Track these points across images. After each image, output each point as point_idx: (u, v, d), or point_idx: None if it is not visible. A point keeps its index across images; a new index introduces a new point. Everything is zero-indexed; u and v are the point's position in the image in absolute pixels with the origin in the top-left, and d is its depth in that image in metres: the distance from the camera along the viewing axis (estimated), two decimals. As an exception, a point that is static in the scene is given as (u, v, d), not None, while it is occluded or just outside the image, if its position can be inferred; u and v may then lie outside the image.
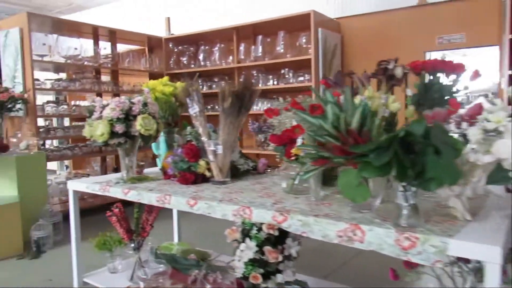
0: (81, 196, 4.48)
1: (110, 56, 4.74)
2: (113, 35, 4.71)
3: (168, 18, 5.86)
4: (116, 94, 4.72)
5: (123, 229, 2.03)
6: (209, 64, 4.86)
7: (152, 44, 5.33)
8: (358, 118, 1.21)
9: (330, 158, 1.22)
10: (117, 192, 1.86)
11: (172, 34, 5.47)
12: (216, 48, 4.74)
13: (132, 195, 1.79)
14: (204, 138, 1.90)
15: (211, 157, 1.87)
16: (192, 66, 5.04)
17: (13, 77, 3.88)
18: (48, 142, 5.02)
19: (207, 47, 4.90)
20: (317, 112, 1.31)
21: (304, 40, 4.06)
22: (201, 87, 4.95)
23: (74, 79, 4.28)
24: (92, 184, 1.99)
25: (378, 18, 4.17)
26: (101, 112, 1.97)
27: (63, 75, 4.96)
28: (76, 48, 4.39)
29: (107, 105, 1.97)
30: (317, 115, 1.31)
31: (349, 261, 2.96)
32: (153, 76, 5.24)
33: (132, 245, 2.08)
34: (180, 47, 5.16)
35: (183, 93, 1.95)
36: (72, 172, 5.84)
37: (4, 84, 3.93)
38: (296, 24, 4.15)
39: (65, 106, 4.23)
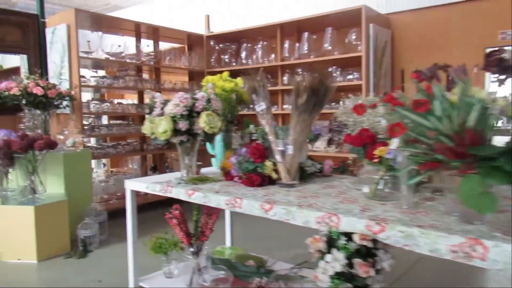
0: (122, 195, 4.46)
1: (152, 53, 4.70)
2: (156, 32, 4.67)
3: (208, 15, 5.79)
4: (157, 92, 4.66)
5: (183, 233, 1.93)
6: (251, 62, 4.75)
7: (192, 41, 5.26)
8: (475, 116, 1.06)
9: (444, 162, 1.07)
10: (180, 194, 1.76)
11: (211, 32, 5.39)
12: (259, 46, 4.62)
13: (197, 197, 1.69)
14: (271, 137, 1.78)
15: (278, 157, 1.75)
16: (234, 64, 4.94)
17: (60, 74, 3.88)
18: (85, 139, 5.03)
19: (249, 45, 4.78)
20: (422, 108, 1.16)
21: (353, 37, 3.88)
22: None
23: (117, 76, 4.25)
24: (152, 184, 1.89)
25: (432, 13, 3.95)
26: (162, 108, 1.89)
27: (101, 73, 4.96)
28: (119, 45, 4.37)
29: (168, 101, 1.88)
30: (421, 112, 1.16)
31: (412, 267, 2.77)
32: (192, 74, 5.19)
33: (191, 249, 1.97)
34: (221, 45, 5.07)
35: (249, 90, 1.84)
36: (110, 170, 5.86)
37: (51, 81, 3.92)
38: (345, 20, 3.98)
39: (108, 104, 4.21)
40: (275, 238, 3.42)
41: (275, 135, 1.78)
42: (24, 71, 4.27)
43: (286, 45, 4.38)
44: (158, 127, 1.81)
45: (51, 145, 3.04)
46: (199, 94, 1.85)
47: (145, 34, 4.74)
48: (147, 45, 4.67)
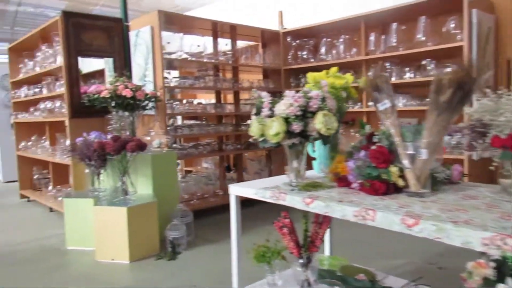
0: (201, 195, 4.45)
1: (228, 52, 4.64)
2: (233, 31, 4.59)
3: (281, 11, 5.64)
4: (236, 92, 4.60)
5: (294, 243, 1.79)
6: (331, 58, 4.52)
7: (266, 39, 5.13)
8: None
9: None
10: (295, 202, 1.61)
11: (285, 28, 5.23)
12: (341, 40, 4.38)
13: (317, 207, 1.52)
14: (397, 140, 1.57)
15: (406, 162, 1.53)
16: (312, 60, 4.74)
17: (144, 76, 3.93)
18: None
19: (328, 40, 4.56)
20: None
21: (452, 25, 3.52)
22: (322, 82, 4.63)
23: (198, 76, 4.23)
24: (261, 191, 1.76)
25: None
26: (270, 108, 1.75)
27: (174, 73, 4.97)
28: (198, 45, 4.35)
29: (274, 101, 1.73)
30: None
31: None
32: (267, 72, 5.06)
33: (301, 261, 1.82)
34: (297, 41, 4.89)
35: (370, 86, 1.64)
36: (184, 169, 5.92)
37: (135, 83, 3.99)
38: (441, 7, 3.63)
39: (187, 105, 4.20)
40: (369, 244, 3.18)
41: (402, 137, 1.57)
42: (109, 74, 4.39)
43: (372, 37, 4.10)
44: (269, 129, 1.67)
45: (142, 146, 3.05)
46: (313, 93, 1.68)
47: (221, 32, 4.69)
48: (225, 44, 4.62)
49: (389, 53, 3.98)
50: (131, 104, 3.38)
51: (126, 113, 3.50)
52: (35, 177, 5.25)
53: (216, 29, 4.61)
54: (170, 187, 3.51)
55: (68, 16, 3.79)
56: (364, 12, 4.11)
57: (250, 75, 5.20)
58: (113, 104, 3.43)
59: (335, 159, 1.96)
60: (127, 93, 3.30)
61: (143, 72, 3.93)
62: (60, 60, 4.16)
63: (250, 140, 1.79)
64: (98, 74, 4.68)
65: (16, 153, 5.43)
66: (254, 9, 6.11)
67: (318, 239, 1.84)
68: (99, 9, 10.57)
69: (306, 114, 1.66)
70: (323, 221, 1.85)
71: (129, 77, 3.86)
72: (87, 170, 3.33)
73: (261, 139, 1.76)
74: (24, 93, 5.10)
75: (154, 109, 3.74)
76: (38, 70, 4.72)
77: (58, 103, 4.23)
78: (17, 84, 5.33)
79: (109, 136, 3.53)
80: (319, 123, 1.63)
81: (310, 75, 2.04)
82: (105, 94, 3.37)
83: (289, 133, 1.66)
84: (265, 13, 5.79)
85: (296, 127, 1.64)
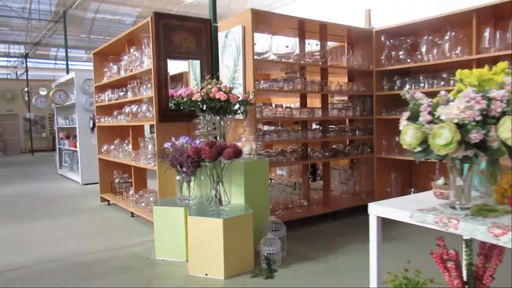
0: (284, 205, 4.17)
1: (317, 53, 4.33)
2: (323, 30, 4.29)
3: (369, 10, 5.26)
4: (324, 95, 4.29)
5: (459, 280, 1.43)
6: (431, 58, 4.07)
7: (354, 38, 4.77)
8: None
9: None
10: (475, 231, 1.26)
11: (372, 27, 4.84)
12: (447, 38, 3.92)
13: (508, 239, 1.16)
14: None
15: None
16: (408, 61, 4.31)
17: (233, 78, 3.74)
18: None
19: (430, 38, 4.11)
20: None
21: None
22: (421, 85, 4.19)
23: (287, 79, 3.97)
24: (418, 214, 1.43)
25: None
26: (429, 112, 1.42)
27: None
28: (287, 46, 4.10)
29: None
30: None
31: None
32: (352, 74, 4.70)
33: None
34: (391, 40, 4.48)
35: None
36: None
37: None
38: None
39: (274, 109, 3.95)
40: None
41: None
42: (193, 77, 4.27)
43: (487, 33, 3.61)
44: (436, 138, 1.34)
45: (238, 153, 2.83)
46: (497, 93, 1.33)
47: (309, 33, 4.40)
48: (316, 44, 4.33)
49: (506, 51, 3.47)
50: (225, 107, 3.18)
51: (217, 117, 3.30)
52: (116, 181, 5.27)
53: (304, 29, 4.33)
54: (262, 197, 3.27)
55: (159, 17, 3.69)
56: (477, 5, 3.63)
57: (334, 78, 4.86)
58: (203, 107, 3.26)
59: (498, 175, 1.59)
60: (221, 96, 3.10)
61: (232, 74, 3.74)
62: (147, 63, 4.09)
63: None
64: (178, 78, 4.58)
65: (98, 157, 5.50)
66: (335, 9, 5.77)
67: (488, 276, 1.46)
68: (178, 11, 10.80)
69: (486, 119, 1.32)
70: (493, 253, 1.48)
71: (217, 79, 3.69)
72: (178, 177, 3.18)
73: (418, 149, 1.44)
74: (107, 97, 5.14)
75: (242, 113, 3.53)
76: (123, 74, 4.72)
77: (144, 107, 4.16)
78: (101, 89, 5.40)
79: (197, 141, 3.38)
80: (507, 131, 1.28)
81: (459, 73, 1.67)
82: (196, 97, 3.20)
83: (464, 143, 1.32)
84: (348, 12, 5.44)
85: (476, 135, 1.29)
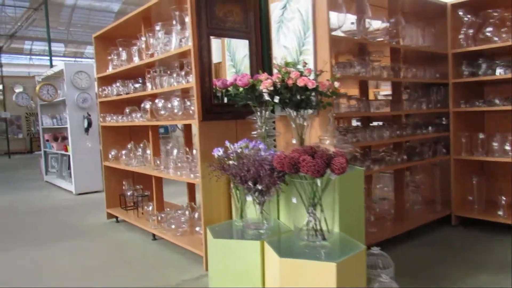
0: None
1: (377, 31, 3.49)
2: (393, 3, 3.43)
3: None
4: (395, 83, 3.45)
5: None
6: (530, 35, 3.29)
7: (420, 13, 3.88)
8: None
9: None
10: None
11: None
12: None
13: None
14: None
15: None
16: (496, 39, 3.51)
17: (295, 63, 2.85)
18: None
19: (528, 10, 3.33)
20: None
21: None
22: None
23: (364, 63, 3.10)
24: None
25: None
26: None
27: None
28: (352, 23, 3.24)
29: None
30: None
31: None
32: (415, 57, 3.87)
33: None
34: (472, 15, 3.67)
35: None
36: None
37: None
38: None
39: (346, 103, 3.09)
40: None
41: None
42: (231, 63, 3.36)
43: None
44: None
45: (346, 165, 1.96)
46: None
47: (373, 7, 3.53)
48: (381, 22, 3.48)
49: None
50: (310, 99, 2.30)
51: (294, 113, 2.42)
52: (128, 193, 4.31)
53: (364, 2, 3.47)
54: (357, 221, 2.41)
55: (199, -19, 2.77)
56: None
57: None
58: (276, 100, 2.37)
59: None
60: (309, 83, 2.22)
61: (296, 57, 2.85)
62: (176, 44, 3.16)
63: None
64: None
65: (104, 164, 4.51)
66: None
67: None
68: None
69: None
70: None
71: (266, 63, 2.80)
72: (249, 198, 2.27)
73: None
74: (115, 90, 4.16)
75: (317, 107, 2.65)
76: (137, 61, 3.76)
77: (175, 101, 3.21)
78: (106, 80, 4.40)
79: (260, 146, 2.48)
80: None
81: None
82: (267, 85, 2.31)
83: None
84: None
85: None
